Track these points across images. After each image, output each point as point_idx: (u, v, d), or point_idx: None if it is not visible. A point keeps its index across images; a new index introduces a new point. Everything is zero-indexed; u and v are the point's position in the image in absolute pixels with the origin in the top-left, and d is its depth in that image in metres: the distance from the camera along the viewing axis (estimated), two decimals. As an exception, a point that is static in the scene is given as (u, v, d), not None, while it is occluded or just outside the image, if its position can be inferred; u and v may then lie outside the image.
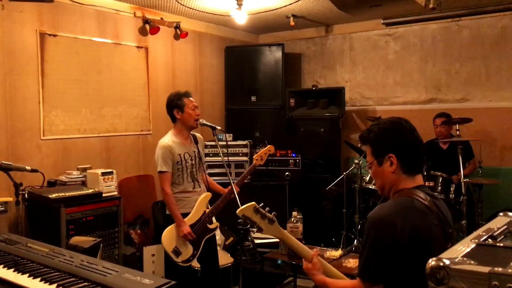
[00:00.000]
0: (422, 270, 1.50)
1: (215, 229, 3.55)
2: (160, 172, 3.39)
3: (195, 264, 3.40)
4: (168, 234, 3.34)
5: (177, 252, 3.33)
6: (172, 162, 3.40)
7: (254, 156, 3.69)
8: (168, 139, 3.45)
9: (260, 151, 3.67)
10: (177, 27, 4.96)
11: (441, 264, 1.04)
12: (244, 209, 1.91)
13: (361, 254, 1.69)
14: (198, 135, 3.67)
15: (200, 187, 3.57)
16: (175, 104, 3.45)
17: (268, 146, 3.71)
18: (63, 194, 3.62)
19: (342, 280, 1.92)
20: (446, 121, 4.65)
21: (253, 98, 5.87)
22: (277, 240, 3.93)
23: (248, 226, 2.01)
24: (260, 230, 1.94)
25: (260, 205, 1.94)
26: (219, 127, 3.51)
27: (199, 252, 3.41)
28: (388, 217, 1.63)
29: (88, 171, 4.09)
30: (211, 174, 4.64)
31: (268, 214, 1.94)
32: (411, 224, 1.60)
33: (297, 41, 6.54)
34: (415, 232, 1.59)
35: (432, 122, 4.87)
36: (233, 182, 3.42)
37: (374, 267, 1.63)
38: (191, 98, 3.49)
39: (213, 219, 3.55)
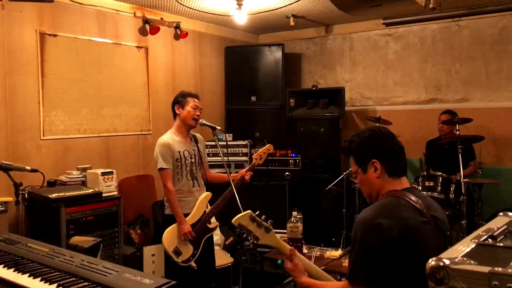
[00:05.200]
0: (412, 270, 1.51)
1: (214, 228, 3.56)
2: (160, 169, 3.39)
3: (192, 264, 3.40)
4: (169, 234, 3.34)
5: (177, 252, 3.33)
6: (172, 159, 3.40)
7: (253, 156, 3.69)
8: (168, 137, 3.46)
9: (259, 151, 3.67)
10: (177, 27, 4.97)
11: (441, 264, 1.04)
12: (239, 218, 1.84)
13: (349, 257, 1.68)
14: (198, 135, 3.68)
15: (199, 186, 3.57)
16: (178, 100, 3.50)
17: (267, 145, 3.71)
18: (63, 194, 3.62)
19: (327, 282, 1.88)
20: (447, 120, 4.65)
21: (253, 98, 5.87)
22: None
23: (244, 236, 1.93)
24: (256, 239, 1.87)
25: (256, 213, 1.88)
26: (219, 127, 3.50)
27: (199, 252, 3.41)
28: (374, 219, 1.61)
29: (88, 171, 4.09)
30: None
31: (265, 223, 1.87)
32: (399, 223, 1.59)
33: (297, 41, 6.53)
34: (404, 231, 1.58)
35: (438, 117, 4.88)
36: (233, 175, 3.46)
37: (362, 270, 1.62)
38: (195, 99, 3.52)
39: (213, 219, 3.55)
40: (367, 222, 1.63)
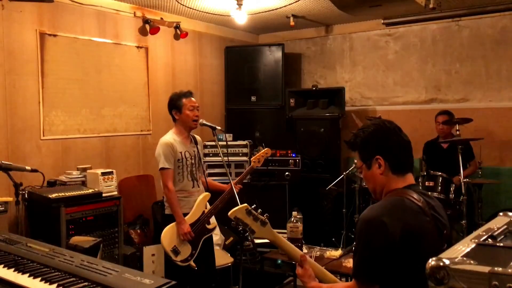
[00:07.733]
0: (415, 269, 1.51)
1: (213, 229, 3.56)
2: (162, 168, 3.39)
3: (192, 264, 3.40)
4: (168, 233, 3.35)
5: (176, 251, 3.33)
6: (173, 159, 3.41)
7: (252, 159, 3.72)
8: (170, 137, 3.47)
9: (258, 154, 3.69)
10: (177, 27, 4.97)
11: (441, 264, 1.04)
12: (236, 211, 1.87)
13: (354, 255, 1.69)
14: (197, 136, 3.69)
15: (199, 186, 3.58)
16: (173, 104, 3.48)
17: (265, 149, 3.74)
18: (63, 194, 3.62)
19: (336, 284, 1.90)
20: (447, 120, 4.65)
21: (253, 98, 5.87)
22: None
23: (240, 228, 1.96)
24: (252, 232, 1.90)
25: (253, 206, 1.91)
26: (219, 127, 3.51)
27: (197, 252, 3.41)
28: (377, 217, 1.62)
29: (88, 171, 4.09)
30: (211, 174, 4.65)
31: (261, 216, 1.90)
32: (402, 224, 1.59)
33: (297, 41, 6.53)
34: (406, 232, 1.58)
35: (434, 119, 4.87)
36: (233, 181, 3.44)
37: (368, 267, 1.62)
38: (191, 98, 3.50)
39: (212, 219, 3.55)
40: (371, 219, 1.63)
